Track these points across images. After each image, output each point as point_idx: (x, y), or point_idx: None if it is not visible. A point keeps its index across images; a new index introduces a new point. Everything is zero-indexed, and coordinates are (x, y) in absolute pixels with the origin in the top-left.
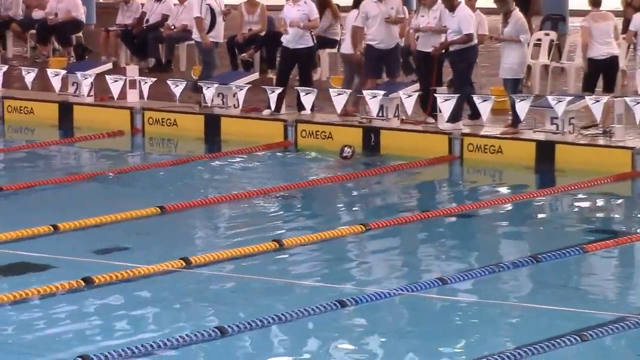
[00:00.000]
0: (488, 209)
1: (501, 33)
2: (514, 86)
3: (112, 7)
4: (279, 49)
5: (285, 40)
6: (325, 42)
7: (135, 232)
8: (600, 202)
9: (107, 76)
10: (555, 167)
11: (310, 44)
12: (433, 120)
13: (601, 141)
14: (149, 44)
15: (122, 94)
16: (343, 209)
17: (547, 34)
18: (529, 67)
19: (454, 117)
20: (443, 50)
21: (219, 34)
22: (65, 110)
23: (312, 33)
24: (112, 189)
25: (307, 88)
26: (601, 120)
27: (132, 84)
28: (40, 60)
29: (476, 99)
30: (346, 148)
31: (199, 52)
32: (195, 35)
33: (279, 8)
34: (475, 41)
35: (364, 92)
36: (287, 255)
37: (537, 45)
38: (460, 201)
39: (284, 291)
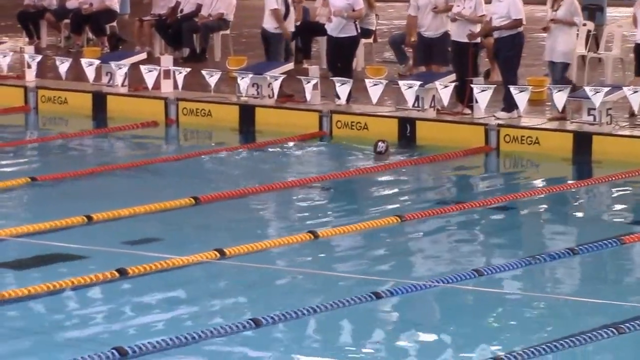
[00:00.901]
0: (524, 201)
1: (550, 17)
2: (563, 71)
3: None
4: (319, 38)
5: (329, 28)
6: (361, 32)
7: (169, 223)
8: (634, 192)
9: (141, 66)
10: (592, 159)
11: (354, 33)
12: (469, 111)
13: (638, 132)
14: (184, 33)
15: (156, 84)
16: (378, 200)
17: (584, 24)
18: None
19: (509, 106)
20: (478, 40)
21: (290, 25)
22: (99, 100)
23: (357, 23)
24: (146, 179)
25: (343, 78)
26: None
27: (167, 74)
28: (74, 50)
29: (513, 89)
30: (380, 143)
31: (264, 42)
32: (268, 25)
33: None
34: (521, 26)
35: (400, 82)
36: (322, 247)
37: None
38: (496, 193)
39: (319, 283)
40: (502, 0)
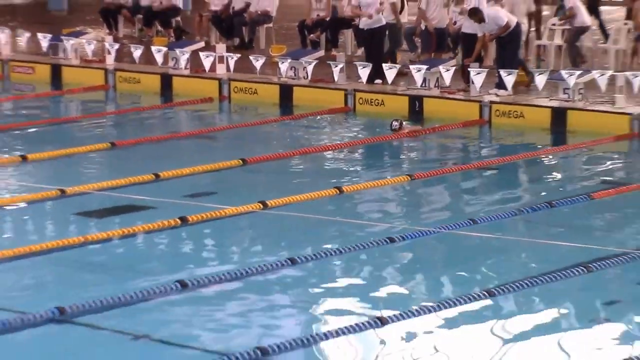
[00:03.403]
0: (511, 163)
1: None
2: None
3: None
4: (345, 31)
5: (364, 24)
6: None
7: (221, 180)
8: (604, 158)
9: (200, 53)
10: (567, 129)
11: (383, 23)
12: (468, 90)
13: (604, 107)
14: (235, 26)
15: (212, 68)
16: (392, 162)
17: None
18: (546, 47)
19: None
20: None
21: (404, 17)
22: (166, 80)
23: (382, 15)
24: (203, 144)
25: (365, 62)
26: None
27: (221, 59)
28: (146, 39)
29: (502, 72)
30: (394, 122)
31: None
32: (387, 18)
33: None
34: (512, 26)
35: (410, 66)
36: (346, 199)
37: (552, 30)
38: (488, 156)
39: (344, 229)
40: (487, 22)
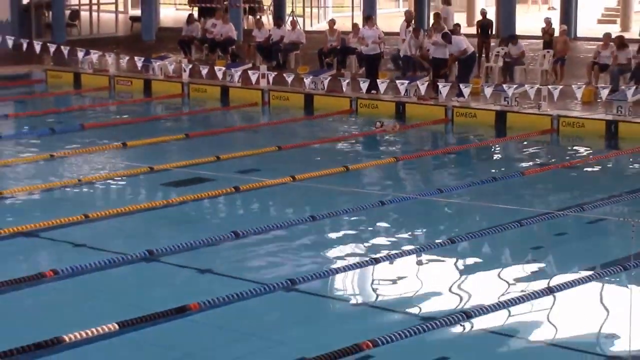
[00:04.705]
0: (467, 150)
1: None
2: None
3: (251, 30)
4: (351, 56)
5: (365, 50)
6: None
7: (263, 160)
8: (532, 146)
9: (248, 71)
10: (506, 126)
11: (379, 51)
12: (437, 98)
13: (532, 110)
14: (273, 52)
15: (257, 82)
16: (384, 148)
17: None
18: (492, 68)
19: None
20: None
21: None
22: (225, 90)
23: (381, 45)
24: (250, 136)
25: (365, 78)
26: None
27: (263, 75)
28: (210, 62)
29: (461, 85)
30: (377, 123)
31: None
32: (402, 48)
33: (348, 32)
34: (470, 52)
35: (396, 81)
36: (351, 175)
37: (497, 56)
38: (451, 145)
39: (350, 196)
40: (454, 44)
